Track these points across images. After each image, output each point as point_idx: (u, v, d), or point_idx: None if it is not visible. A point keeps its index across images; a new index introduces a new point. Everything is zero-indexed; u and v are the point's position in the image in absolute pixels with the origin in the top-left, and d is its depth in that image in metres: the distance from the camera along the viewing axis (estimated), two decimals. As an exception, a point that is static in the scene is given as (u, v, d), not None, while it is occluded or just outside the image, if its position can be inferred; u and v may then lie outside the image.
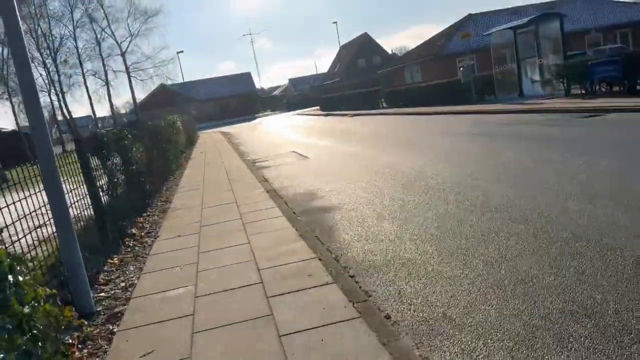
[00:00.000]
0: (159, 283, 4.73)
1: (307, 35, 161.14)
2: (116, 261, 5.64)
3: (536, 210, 5.28)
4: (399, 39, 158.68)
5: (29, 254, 3.81)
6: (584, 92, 16.66)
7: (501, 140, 10.81)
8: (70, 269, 4.27)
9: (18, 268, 2.62)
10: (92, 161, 6.15)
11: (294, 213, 7.01)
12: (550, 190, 5.97)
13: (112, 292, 4.71)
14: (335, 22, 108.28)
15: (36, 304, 2.66)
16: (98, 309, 4.28)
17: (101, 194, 6.13)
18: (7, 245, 3.27)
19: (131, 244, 6.39)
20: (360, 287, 3.97)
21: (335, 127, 23.79)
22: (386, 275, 4.18)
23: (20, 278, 2.56)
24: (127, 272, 5.26)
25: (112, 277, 5.15)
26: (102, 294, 4.65)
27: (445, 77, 30.57)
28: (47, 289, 2.72)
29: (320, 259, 4.69)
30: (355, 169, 10.06)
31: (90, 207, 5.81)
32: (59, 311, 2.97)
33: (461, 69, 24.03)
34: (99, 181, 6.16)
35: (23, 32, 4.19)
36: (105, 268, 5.39)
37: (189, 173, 13.81)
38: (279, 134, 25.90)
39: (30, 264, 3.37)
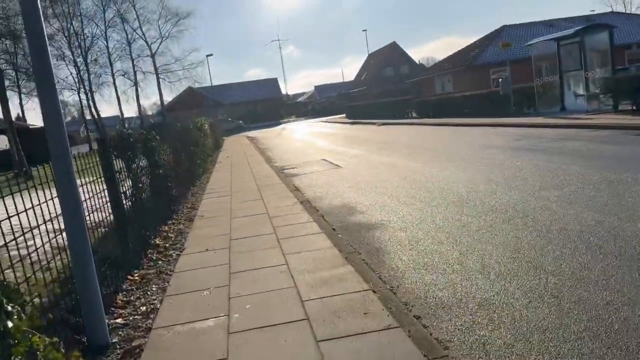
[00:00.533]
0: (185, 310, 4.05)
1: (335, 43, 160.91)
2: (137, 278, 5.00)
3: (630, 243, 4.45)
4: (427, 49, 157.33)
5: (33, 276, 3.17)
6: (634, 108, 15.59)
7: (557, 156, 9.91)
8: (82, 290, 3.61)
9: (9, 308, 1.97)
10: (116, 163, 5.56)
11: (334, 229, 6.29)
12: (638, 217, 5.13)
13: (131, 318, 4.04)
14: (365, 30, 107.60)
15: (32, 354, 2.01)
16: (113, 340, 3.61)
17: (124, 200, 5.51)
18: (3, 270, 2.62)
19: (154, 257, 5.75)
20: (431, 334, 3.22)
21: (365, 136, 23.05)
22: (461, 320, 3.41)
23: (10, 324, 1.91)
24: (149, 293, 4.60)
25: (132, 298, 4.49)
26: (119, 321, 3.99)
27: (477, 88, 29.64)
28: (47, 338, 2.04)
29: (374, 291, 3.95)
30: (394, 182, 9.30)
31: (111, 214, 5.20)
32: (62, 357, 2.30)
33: (500, 80, 23.03)
34: (122, 186, 5.55)
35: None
36: (125, 286, 4.75)
37: (216, 178, 13.22)
38: (305, 141, 25.28)
39: (29, 298, 2.73)
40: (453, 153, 12.64)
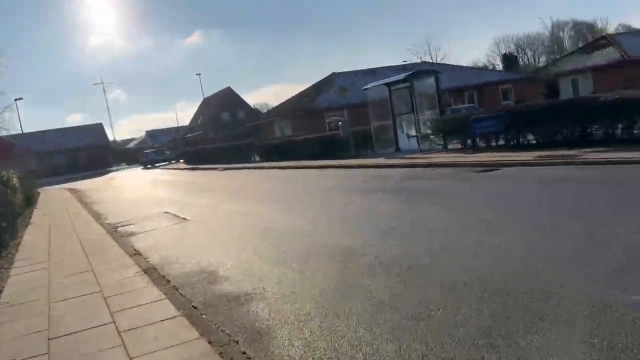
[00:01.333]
0: None
1: (167, 87, 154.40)
2: None
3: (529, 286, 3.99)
4: (259, 95, 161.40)
5: None
6: (463, 146, 16.94)
7: (407, 197, 9.84)
8: None
9: None
10: None
11: (195, 307, 4.95)
12: (529, 266, 4.80)
13: None
14: (199, 74, 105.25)
15: None
16: None
17: None
18: None
19: None
20: None
21: (209, 183, 21.61)
22: None
23: None
24: None
25: None
26: None
27: (314, 131, 30.41)
28: None
29: (275, 411, 2.78)
30: (256, 235, 8.21)
31: None
32: None
33: (340, 123, 23.76)
34: None
35: None
36: None
37: (29, 244, 10.62)
38: (142, 190, 22.84)
39: None
40: (310, 198, 12.04)
